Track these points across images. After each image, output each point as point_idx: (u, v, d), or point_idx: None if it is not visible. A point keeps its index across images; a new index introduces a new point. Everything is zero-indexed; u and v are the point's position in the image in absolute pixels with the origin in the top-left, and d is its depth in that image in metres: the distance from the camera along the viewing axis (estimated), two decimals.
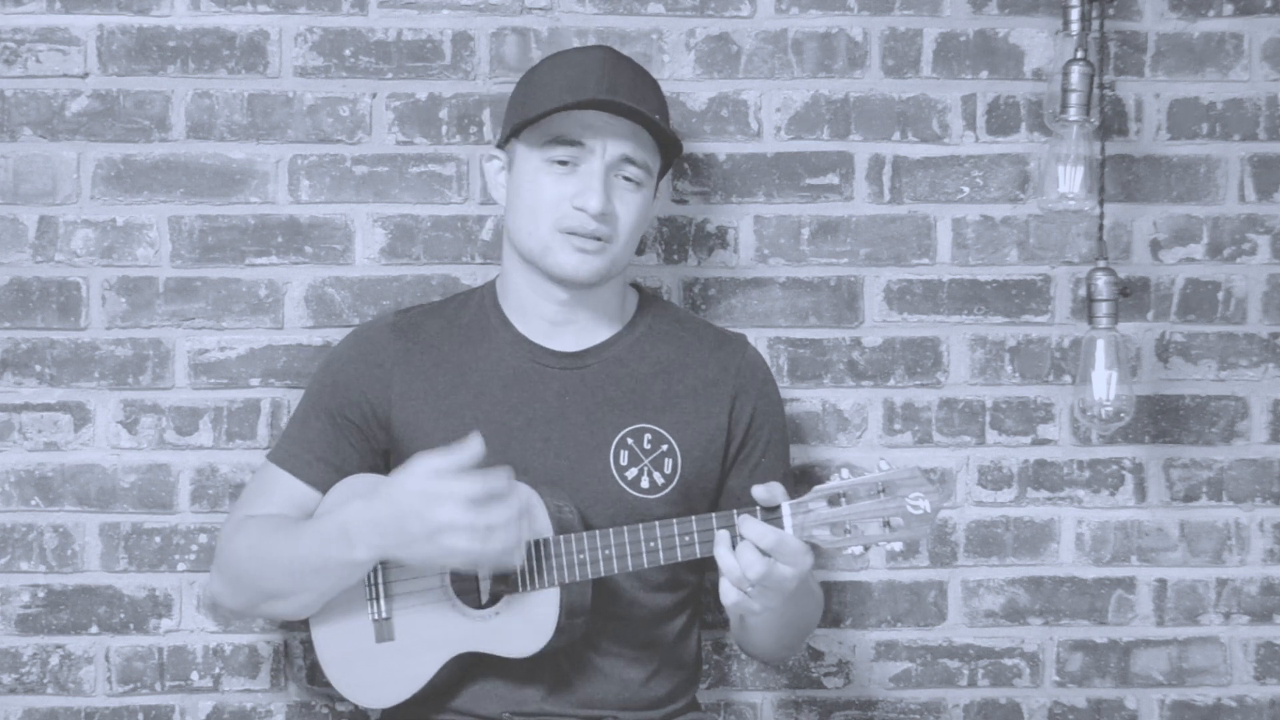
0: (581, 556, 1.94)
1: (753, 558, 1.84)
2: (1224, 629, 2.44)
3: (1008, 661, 2.43)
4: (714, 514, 1.91)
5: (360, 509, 1.97)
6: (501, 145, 2.14)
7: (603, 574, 1.95)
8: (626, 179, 2.05)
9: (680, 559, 1.92)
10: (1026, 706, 2.43)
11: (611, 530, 1.94)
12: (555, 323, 2.12)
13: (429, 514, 1.89)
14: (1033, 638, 2.43)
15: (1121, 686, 2.44)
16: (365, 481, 2.09)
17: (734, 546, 1.86)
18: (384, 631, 2.03)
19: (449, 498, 1.88)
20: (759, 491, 1.87)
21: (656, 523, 1.93)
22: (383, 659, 2.04)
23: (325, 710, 2.36)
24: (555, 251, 2.05)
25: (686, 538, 1.91)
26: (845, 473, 1.86)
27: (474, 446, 1.90)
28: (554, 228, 2.04)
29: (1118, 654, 2.43)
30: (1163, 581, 2.44)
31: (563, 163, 2.04)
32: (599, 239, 2.04)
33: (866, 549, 1.86)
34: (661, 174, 2.14)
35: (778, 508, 1.86)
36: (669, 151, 2.12)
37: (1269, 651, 2.45)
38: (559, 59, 2.12)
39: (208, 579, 2.22)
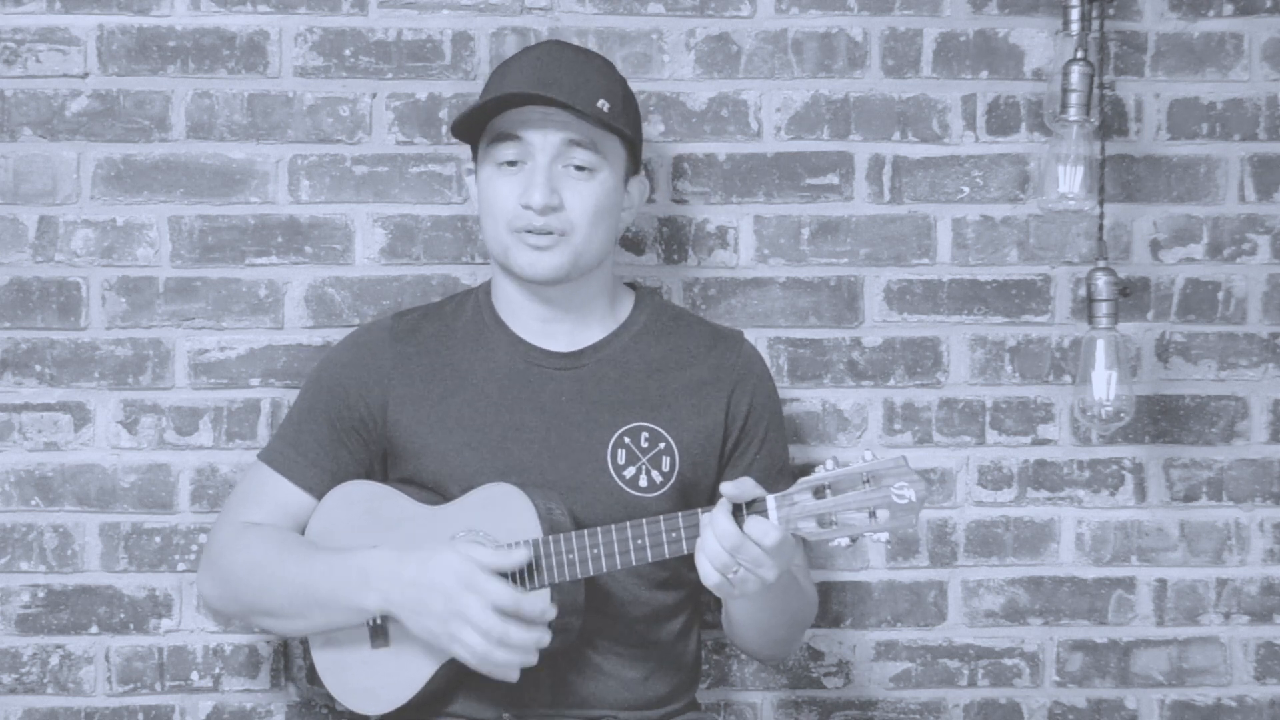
0: (571, 556, 1.94)
1: (716, 550, 1.83)
2: (1224, 629, 2.44)
3: (1008, 661, 2.43)
4: (699, 509, 1.90)
5: (389, 560, 1.97)
6: (474, 156, 2.14)
7: (592, 573, 1.94)
8: (578, 168, 2.04)
9: (669, 555, 1.92)
10: (1026, 706, 2.43)
11: (600, 529, 1.94)
12: (546, 323, 2.12)
13: (456, 599, 1.90)
14: (1033, 638, 2.43)
15: (1121, 686, 2.44)
16: (363, 491, 2.09)
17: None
18: (380, 637, 2.03)
19: (481, 594, 1.89)
20: (728, 488, 1.85)
21: (644, 520, 1.93)
22: (379, 665, 2.03)
23: (325, 710, 2.36)
24: (513, 252, 2.05)
25: (674, 534, 1.91)
26: (830, 464, 1.85)
27: (520, 557, 1.91)
28: (508, 229, 2.05)
29: (1118, 654, 2.44)
30: (1163, 581, 2.44)
31: (511, 163, 2.04)
32: (551, 233, 2.03)
33: (853, 540, 1.85)
34: (635, 153, 2.12)
35: (763, 500, 1.86)
36: (639, 133, 2.11)
37: (1269, 651, 2.45)
38: (506, 61, 2.13)
39: (198, 576, 2.21)
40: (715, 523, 1.84)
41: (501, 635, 1.89)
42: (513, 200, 2.04)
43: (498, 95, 2.03)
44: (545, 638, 1.92)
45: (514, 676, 1.93)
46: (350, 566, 1.99)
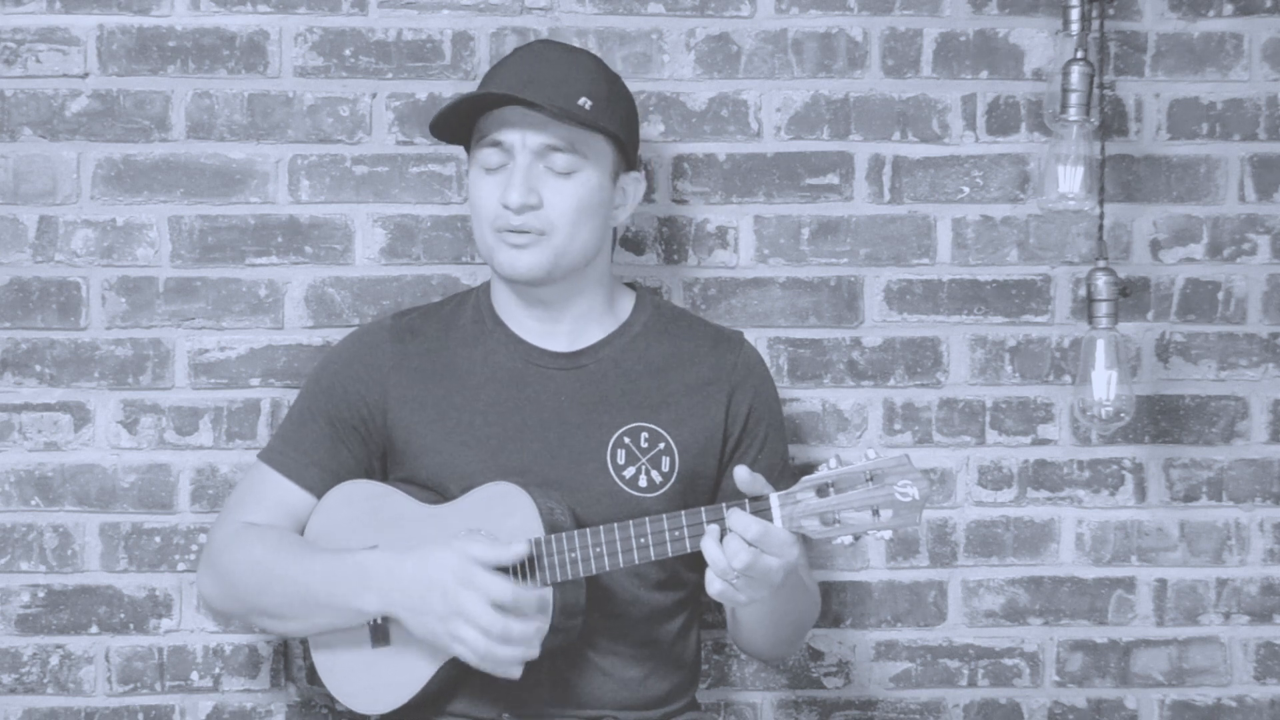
0: (573, 555, 1.94)
1: (738, 547, 1.83)
2: (1224, 629, 2.44)
3: (1008, 661, 2.43)
4: (703, 508, 1.91)
5: (387, 560, 1.97)
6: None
7: (594, 572, 1.94)
8: (556, 168, 2.04)
9: (671, 554, 1.92)
10: (1026, 706, 2.43)
11: (602, 528, 1.94)
12: (543, 324, 2.12)
13: (454, 597, 1.89)
14: (1033, 638, 2.43)
15: (1121, 686, 2.44)
16: (363, 491, 2.09)
17: (722, 539, 1.86)
18: (380, 637, 2.03)
19: (479, 590, 1.89)
20: (741, 473, 1.86)
21: (647, 518, 1.93)
22: (379, 664, 2.03)
23: (325, 710, 2.36)
24: (495, 252, 2.06)
25: (676, 533, 1.91)
26: (833, 462, 1.85)
27: (519, 549, 1.90)
28: (491, 228, 2.05)
29: (1118, 654, 2.44)
30: (1163, 581, 2.44)
31: (495, 163, 2.05)
32: (528, 232, 2.03)
33: (856, 538, 1.86)
34: (625, 150, 2.10)
35: (766, 498, 1.86)
36: (630, 129, 2.10)
37: (1269, 651, 2.45)
38: (496, 63, 2.13)
39: (197, 576, 2.21)
40: (708, 548, 1.85)
41: (503, 631, 1.88)
42: (495, 200, 2.04)
43: (469, 96, 2.04)
44: (545, 627, 1.91)
45: (516, 674, 1.93)
46: (348, 567, 1.99)
